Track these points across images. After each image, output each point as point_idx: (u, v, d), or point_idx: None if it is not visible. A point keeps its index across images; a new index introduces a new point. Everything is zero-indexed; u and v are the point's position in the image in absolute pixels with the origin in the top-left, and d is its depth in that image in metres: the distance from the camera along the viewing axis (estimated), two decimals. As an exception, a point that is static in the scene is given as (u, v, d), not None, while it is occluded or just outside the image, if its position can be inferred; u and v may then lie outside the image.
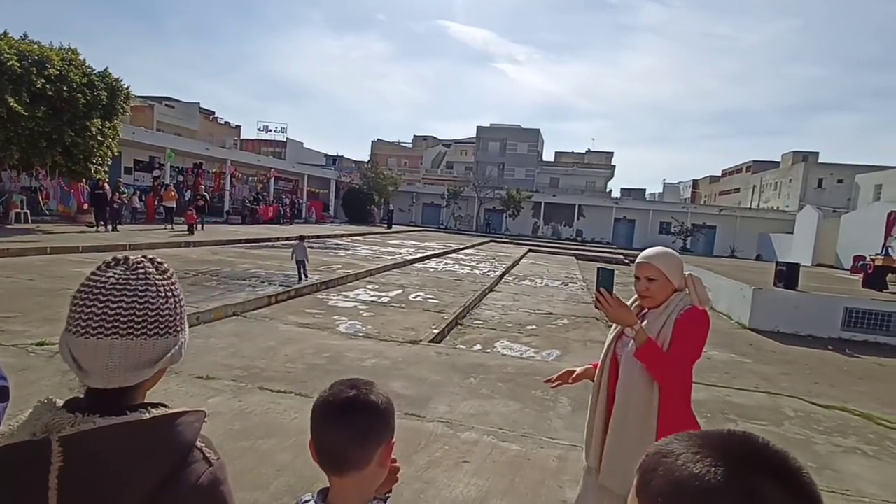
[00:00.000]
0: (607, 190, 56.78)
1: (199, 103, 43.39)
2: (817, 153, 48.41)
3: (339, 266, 12.67)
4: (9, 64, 12.13)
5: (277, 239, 18.35)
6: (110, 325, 0.77)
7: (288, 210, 29.10)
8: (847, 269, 19.49)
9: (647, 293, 2.00)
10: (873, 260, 13.72)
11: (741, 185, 57.67)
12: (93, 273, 0.82)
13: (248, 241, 16.59)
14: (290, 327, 6.69)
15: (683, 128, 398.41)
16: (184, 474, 0.78)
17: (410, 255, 17.43)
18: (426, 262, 16.91)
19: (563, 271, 18.67)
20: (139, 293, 0.80)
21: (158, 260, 0.86)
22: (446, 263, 17.09)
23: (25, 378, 3.97)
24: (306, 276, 10.12)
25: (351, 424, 0.95)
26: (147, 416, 0.78)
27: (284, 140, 48.19)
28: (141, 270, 0.83)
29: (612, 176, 59.60)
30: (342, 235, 23.39)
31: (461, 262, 18.12)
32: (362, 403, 0.96)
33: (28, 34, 13.73)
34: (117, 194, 16.46)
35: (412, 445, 3.56)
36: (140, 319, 0.79)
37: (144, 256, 0.86)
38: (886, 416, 5.27)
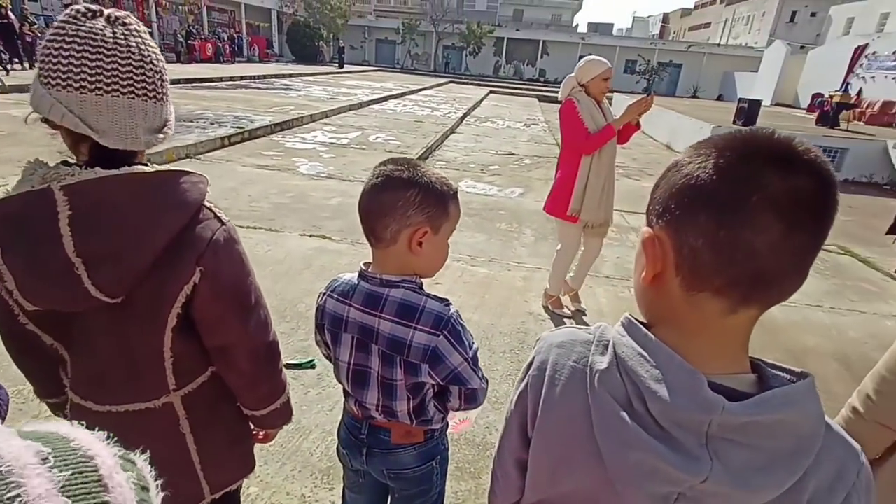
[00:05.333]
0: (574, 25, 53.18)
1: None
2: (795, -19, 45.80)
3: (292, 107, 11.89)
4: None
5: (220, 79, 16.77)
6: (127, 83, 0.71)
7: (227, 47, 26.16)
8: (804, 109, 19.85)
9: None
10: (831, 96, 13.94)
11: (713, 20, 54.98)
12: (73, 23, 0.70)
13: (187, 80, 15.08)
14: (248, 169, 6.46)
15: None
16: (199, 230, 0.78)
17: (367, 96, 16.44)
18: (384, 103, 16.08)
19: (525, 113, 18.25)
20: (143, 51, 0.73)
21: (135, 18, 0.75)
22: (405, 105, 16.32)
23: None
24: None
25: (376, 198, 0.95)
26: (150, 168, 0.74)
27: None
28: (134, 27, 0.73)
29: (579, 8, 55.30)
30: (290, 75, 21.56)
31: (420, 103, 17.31)
32: (394, 182, 0.94)
33: None
34: (26, 25, 14.20)
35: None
36: (150, 80, 0.74)
37: (118, 12, 0.74)
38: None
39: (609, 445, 0.52)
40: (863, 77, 17.68)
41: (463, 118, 14.38)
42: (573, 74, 3.02)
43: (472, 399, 1.08)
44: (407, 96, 19.13)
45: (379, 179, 0.95)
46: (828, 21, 31.72)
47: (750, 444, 0.47)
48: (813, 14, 39.53)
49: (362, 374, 1.04)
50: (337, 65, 31.81)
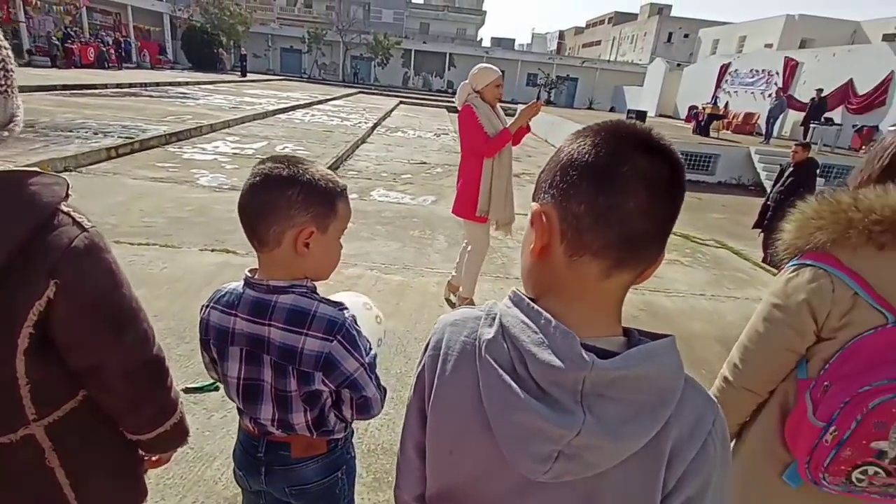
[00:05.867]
0: (478, 39, 55.03)
1: None
2: (671, 6, 50.86)
3: (190, 116, 11.17)
4: None
5: (105, 86, 15.35)
6: None
7: (113, 51, 24.01)
8: (683, 119, 21.99)
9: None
10: (704, 108, 15.59)
11: (602, 38, 59.50)
12: None
13: (65, 87, 13.63)
14: (140, 182, 5.96)
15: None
16: (52, 238, 0.68)
17: (272, 105, 15.84)
18: (291, 112, 15.60)
19: (435, 123, 18.56)
20: None
21: None
22: (313, 115, 15.94)
23: None
24: None
25: (256, 198, 0.90)
26: None
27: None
28: None
29: (482, 23, 57.41)
30: (187, 83, 20.24)
31: (329, 113, 17.01)
32: (274, 180, 0.89)
33: None
34: None
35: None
36: None
37: None
38: (699, 236, 6.50)
39: (494, 410, 0.55)
40: (728, 91, 19.96)
41: (374, 128, 14.32)
42: (467, 81, 3.14)
43: (364, 409, 1.03)
44: (315, 106, 18.70)
45: (258, 178, 0.90)
46: (698, 42, 35.54)
47: (619, 398, 0.51)
48: (686, 35, 44.13)
49: (254, 389, 0.98)
50: (239, 73, 30.40)
